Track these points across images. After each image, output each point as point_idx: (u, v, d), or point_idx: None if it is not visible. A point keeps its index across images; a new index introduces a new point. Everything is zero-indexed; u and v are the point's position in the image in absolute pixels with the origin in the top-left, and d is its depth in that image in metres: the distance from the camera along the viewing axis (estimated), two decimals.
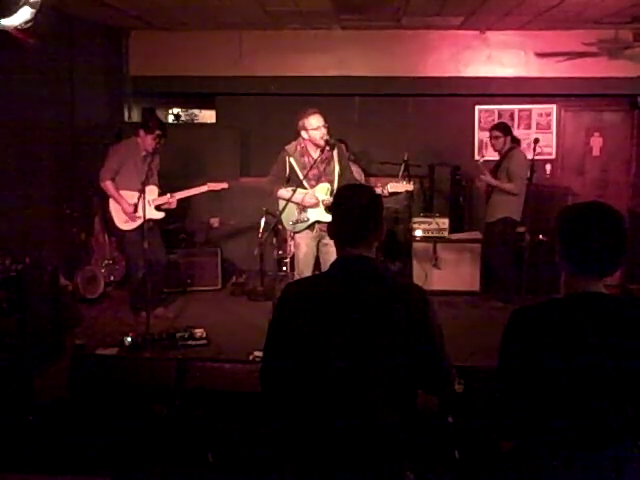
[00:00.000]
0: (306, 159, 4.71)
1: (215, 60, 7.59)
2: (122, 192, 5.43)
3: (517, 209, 6.05)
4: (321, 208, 4.70)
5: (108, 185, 5.45)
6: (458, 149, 7.70)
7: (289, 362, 2.05)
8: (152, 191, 5.44)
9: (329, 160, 4.77)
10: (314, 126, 4.63)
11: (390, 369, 1.98)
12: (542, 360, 1.78)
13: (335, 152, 4.78)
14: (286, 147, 4.79)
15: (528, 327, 1.83)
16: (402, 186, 4.76)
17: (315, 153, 4.74)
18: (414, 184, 6.74)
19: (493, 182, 6.11)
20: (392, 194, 4.77)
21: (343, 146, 5.23)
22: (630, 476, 1.78)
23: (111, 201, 5.49)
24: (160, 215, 5.56)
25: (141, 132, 5.46)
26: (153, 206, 5.46)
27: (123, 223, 5.47)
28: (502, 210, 6.12)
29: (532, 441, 1.84)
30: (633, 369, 1.74)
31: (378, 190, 4.54)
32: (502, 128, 6.25)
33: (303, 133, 4.70)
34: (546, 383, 1.78)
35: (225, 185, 5.59)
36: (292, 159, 4.73)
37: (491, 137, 6.27)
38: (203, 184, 5.57)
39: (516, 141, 6.22)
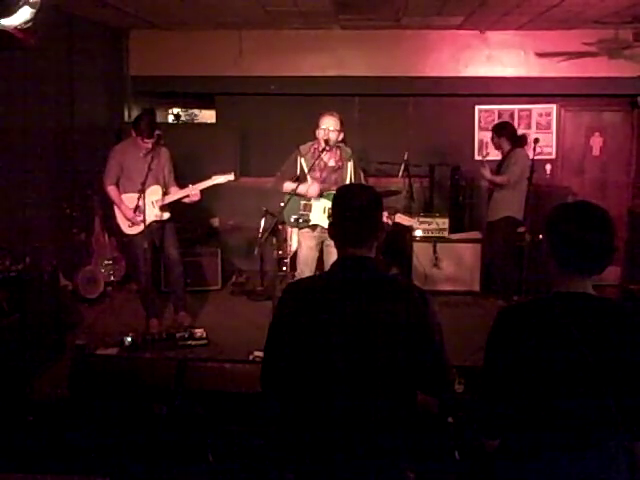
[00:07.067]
0: (318, 162, 4.72)
1: (215, 60, 7.59)
2: (125, 195, 5.27)
3: (519, 208, 6.04)
4: (325, 214, 4.72)
5: (110, 191, 5.30)
6: (458, 149, 7.70)
7: (290, 362, 2.06)
8: (155, 191, 5.27)
9: (342, 170, 4.79)
10: (321, 125, 4.70)
11: (390, 369, 1.98)
12: (526, 359, 1.79)
13: (350, 164, 4.81)
14: (300, 147, 4.82)
15: (513, 326, 1.85)
16: (408, 220, 4.89)
17: (328, 158, 4.77)
18: (414, 182, 6.80)
19: (487, 176, 6.15)
20: (396, 224, 4.83)
21: (353, 154, 5.12)
22: (616, 476, 1.78)
23: (115, 206, 5.36)
24: (166, 215, 5.40)
25: (133, 133, 5.31)
26: (157, 207, 5.31)
27: (128, 228, 5.33)
28: (504, 209, 6.13)
29: (517, 440, 1.85)
30: (616, 369, 1.75)
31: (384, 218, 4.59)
32: (495, 129, 6.35)
33: (317, 131, 4.75)
34: (530, 382, 1.79)
35: (231, 176, 5.36)
36: (303, 160, 4.75)
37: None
38: (208, 177, 5.35)
39: (519, 140, 6.23)
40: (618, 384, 1.74)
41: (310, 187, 4.72)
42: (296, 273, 4.97)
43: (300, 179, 4.74)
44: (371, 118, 7.69)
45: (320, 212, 4.76)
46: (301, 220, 4.78)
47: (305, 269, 4.80)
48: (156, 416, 3.60)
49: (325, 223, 4.68)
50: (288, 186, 4.75)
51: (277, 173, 4.89)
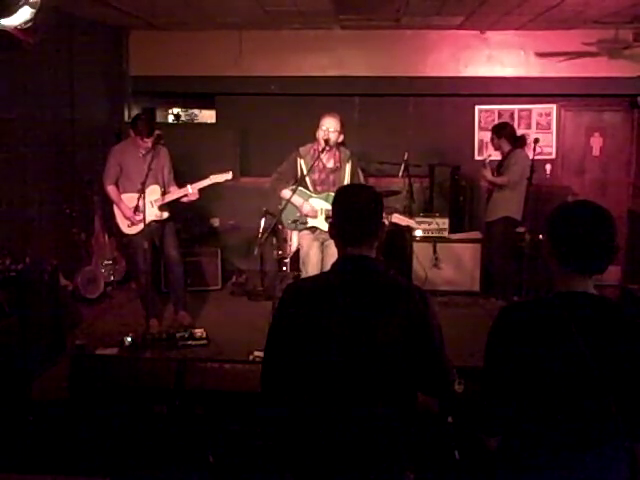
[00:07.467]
0: (317, 163, 4.71)
1: (215, 60, 7.59)
2: (125, 195, 5.27)
3: (517, 208, 6.06)
4: (322, 217, 4.72)
5: (110, 190, 5.30)
6: (458, 149, 7.70)
7: (290, 362, 2.06)
8: (154, 191, 5.26)
9: (340, 171, 4.78)
10: (321, 126, 4.69)
11: (390, 370, 1.98)
12: (526, 358, 1.79)
13: (348, 165, 4.80)
14: (300, 148, 4.81)
15: (514, 325, 1.85)
16: (405, 220, 4.86)
17: (327, 159, 4.76)
18: (414, 182, 6.80)
19: (488, 177, 6.17)
20: (393, 224, 4.81)
21: (352, 156, 5.07)
22: (616, 477, 1.78)
23: (114, 206, 5.36)
24: (165, 215, 5.39)
25: (131, 133, 5.31)
26: (156, 206, 5.30)
27: (127, 228, 5.33)
28: (503, 209, 6.14)
29: (517, 441, 1.85)
30: (617, 369, 1.75)
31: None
32: (495, 130, 6.38)
33: (317, 132, 4.74)
34: (530, 381, 1.79)
35: (229, 175, 5.35)
36: (303, 161, 4.74)
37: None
38: (205, 177, 5.31)
39: (518, 141, 6.23)
40: (618, 385, 1.74)
41: (304, 204, 4.71)
42: (301, 275, 4.95)
43: (299, 181, 4.73)
44: (371, 118, 7.69)
45: (318, 214, 4.75)
46: (299, 223, 4.78)
47: (310, 270, 4.78)
48: (156, 416, 3.61)
49: (323, 225, 4.68)
50: (285, 194, 4.73)
51: (274, 174, 4.86)
